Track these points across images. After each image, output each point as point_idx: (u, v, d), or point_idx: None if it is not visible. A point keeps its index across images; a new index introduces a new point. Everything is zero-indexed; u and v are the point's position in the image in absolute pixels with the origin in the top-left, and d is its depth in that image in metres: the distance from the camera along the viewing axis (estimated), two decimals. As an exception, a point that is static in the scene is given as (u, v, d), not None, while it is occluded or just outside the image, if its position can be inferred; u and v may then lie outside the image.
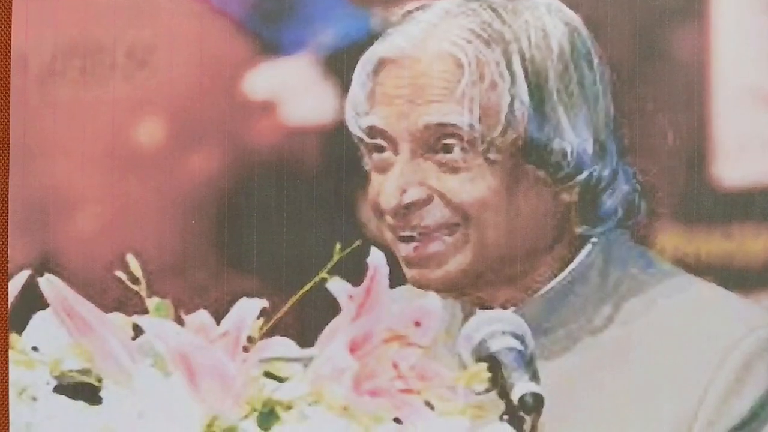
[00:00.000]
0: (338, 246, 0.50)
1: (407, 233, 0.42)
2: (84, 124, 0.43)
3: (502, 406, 0.51)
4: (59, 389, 0.52)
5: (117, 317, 0.50)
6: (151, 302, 0.47)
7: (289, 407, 0.45)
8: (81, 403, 0.47)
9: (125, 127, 0.43)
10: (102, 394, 0.43)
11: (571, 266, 0.42)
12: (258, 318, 0.49)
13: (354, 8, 0.43)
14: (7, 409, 0.49)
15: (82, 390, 0.49)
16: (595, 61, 0.42)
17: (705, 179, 0.44)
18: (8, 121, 0.45)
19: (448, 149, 0.42)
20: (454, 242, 0.43)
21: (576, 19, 0.42)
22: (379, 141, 0.42)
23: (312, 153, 0.44)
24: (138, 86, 0.44)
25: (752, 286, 0.44)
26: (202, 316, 0.51)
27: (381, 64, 0.42)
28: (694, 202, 0.44)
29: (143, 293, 0.43)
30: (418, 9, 0.42)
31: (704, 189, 0.44)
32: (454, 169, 0.42)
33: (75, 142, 0.43)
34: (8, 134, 0.45)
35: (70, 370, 0.44)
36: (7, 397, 0.50)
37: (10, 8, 0.44)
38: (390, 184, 0.42)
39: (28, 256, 0.45)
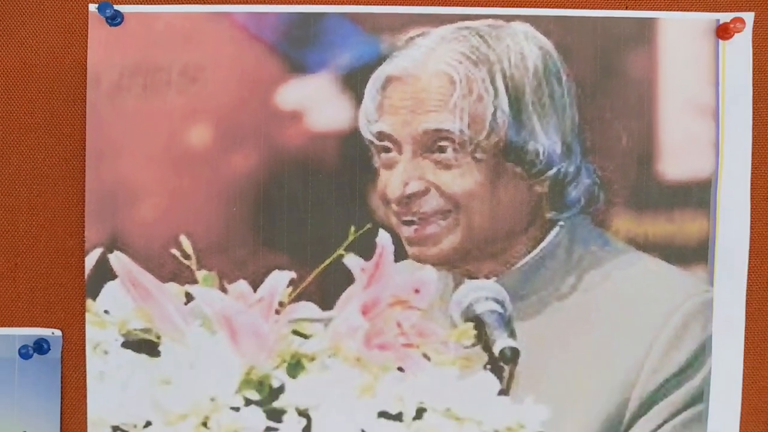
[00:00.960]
0: (353, 228, 0.56)
1: (409, 218, 0.47)
2: (145, 130, 0.49)
3: (485, 358, 0.55)
4: (126, 345, 0.59)
5: (172, 286, 0.56)
6: (200, 274, 0.54)
7: (312, 359, 0.53)
8: (143, 356, 0.54)
9: (179, 132, 0.49)
10: (160, 348, 0.50)
11: (542, 245, 0.47)
12: (287, 287, 0.56)
13: (366, 35, 0.48)
14: (84, 361, 0.56)
15: (144, 345, 0.55)
16: (563, 78, 0.46)
17: (652, 174, 0.49)
18: (84, 129, 0.52)
19: (442, 150, 0.46)
20: (447, 225, 0.46)
21: (548, 43, 0.46)
22: (386, 143, 0.47)
23: (331, 153, 0.49)
24: (189, 99, 0.49)
25: (689, 261, 0.50)
26: (242, 285, 0.57)
27: (388, 81, 0.47)
28: (642, 193, 0.49)
29: (193, 267, 0.51)
30: (419, 35, 0.47)
31: (651, 182, 0.49)
32: (447, 166, 0.46)
33: (138, 145, 0.49)
34: (84, 140, 0.51)
35: (135, 329, 0.51)
36: (84, 351, 0.58)
37: (86, 36, 0.51)
38: (395, 179, 0.46)
39: (100, 237, 0.50)
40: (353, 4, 0.46)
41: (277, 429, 0.46)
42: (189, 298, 0.47)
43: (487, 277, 0.47)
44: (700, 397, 0.47)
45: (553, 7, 0.45)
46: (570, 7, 0.45)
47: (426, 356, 0.47)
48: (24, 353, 0.45)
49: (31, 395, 0.46)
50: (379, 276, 0.47)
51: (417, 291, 0.47)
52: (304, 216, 0.46)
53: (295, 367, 0.47)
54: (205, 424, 0.46)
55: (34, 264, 0.47)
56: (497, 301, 0.47)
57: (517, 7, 0.46)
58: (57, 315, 0.47)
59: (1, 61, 0.46)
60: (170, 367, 0.47)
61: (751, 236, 0.46)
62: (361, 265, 0.47)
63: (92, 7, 0.45)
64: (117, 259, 0.47)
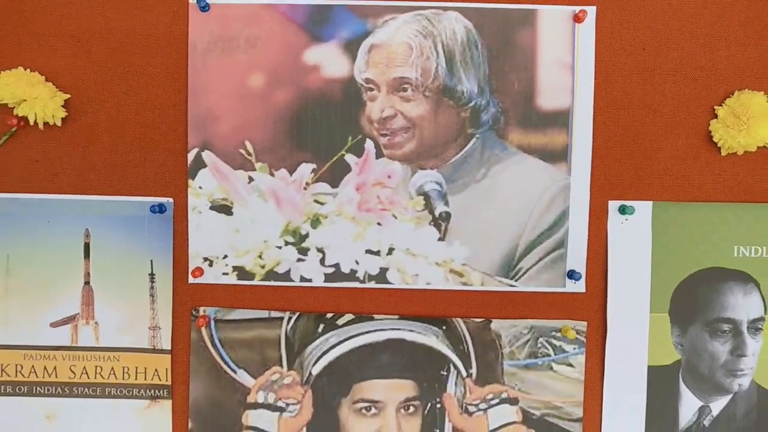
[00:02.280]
0: (350, 138, 0.82)
1: (384, 132, 0.72)
2: (223, 76, 0.76)
3: (429, 218, 0.80)
4: (212, 208, 0.85)
5: (240, 173, 0.83)
6: (257, 165, 0.81)
7: (325, 217, 0.80)
8: (222, 215, 0.82)
9: (244, 78, 0.75)
10: (233, 210, 0.78)
11: (465, 149, 0.72)
12: (310, 173, 0.84)
13: (358, 19, 0.70)
14: (187, 217, 0.85)
15: (223, 208, 0.83)
16: (479, 46, 0.70)
17: (533, 106, 0.73)
18: (186, 76, 0.79)
19: (405, 90, 0.71)
20: (407, 137, 0.71)
21: (469, 24, 0.70)
22: (371, 86, 0.72)
23: (337, 91, 0.75)
24: (250, 57, 0.76)
25: (556, 160, 0.77)
26: (283, 172, 0.84)
27: (372, 47, 0.71)
28: (527, 117, 0.75)
29: (253, 160, 0.78)
30: (391, 19, 0.70)
31: (532, 111, 0.73)
32: (408, 100, 0.71)
33: (219, 86, 0.75)
34: (187, 82, 0.79)
35: (217, 198, 0.79)
36: (187, 211, 0.87)
37: (187, 17, 0.78)
38: (376, 108, 0.71)
39: (196, 142, 0.76)
40: None
41: (304, 259, 0.75)
42: (250, 179, 0.74)
43: (432, 169, 0.73)
44: (561, 244, 0.74)
45: (472, 2, 0.72)
46: (483, 2, 0.71)
47: (394, 216, 0.74)
48: (154, 210, 0.74)
49: (155, 238, 0.75)
50: (366, 167, 0.74)
51: (389, 177, 0.74)
52: (321, 130, 0.74)
53: (315, 222, 0.75)
54: (260, 256, 0.75)
55: (158, 159, 0.74)
56: (438, 183, 0.73)
57: (451, 1, 0.72)
58: (171, 189, 0.74)
59: (135, 35, 0.73)
60: (238, 222, 0.75)
61: (593, 145, 0.73)
62: (355, 161, 0.74)
63: (191, 0, 0.72)
64: (207, 155, 0.74)
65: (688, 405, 0.75)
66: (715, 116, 0.72)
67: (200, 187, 0.74)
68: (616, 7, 0.72)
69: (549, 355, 0.74)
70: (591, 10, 0.71)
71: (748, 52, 0.72)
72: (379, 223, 0.74)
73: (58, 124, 0.72)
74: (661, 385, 0.75)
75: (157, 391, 0.75)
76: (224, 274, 0.75)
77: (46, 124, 0.72)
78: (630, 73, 0.72)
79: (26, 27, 0.72)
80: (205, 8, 0.72)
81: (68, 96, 0.72)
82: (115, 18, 0.72)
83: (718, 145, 0.72)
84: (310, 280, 0.75)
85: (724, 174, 0.73)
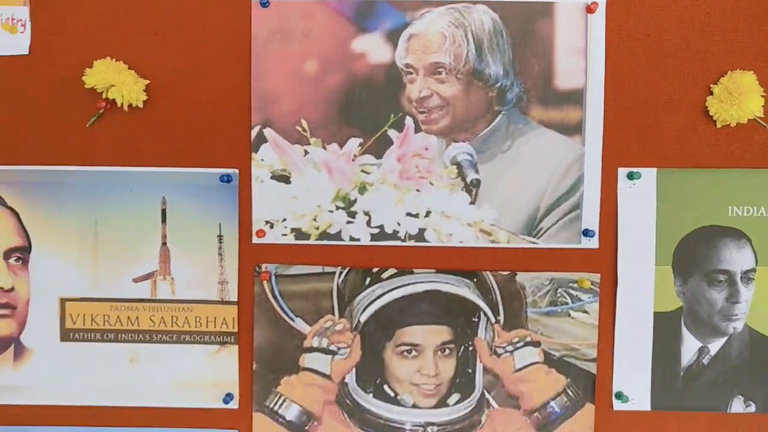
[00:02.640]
0: (392, 115, 0.94)
1: (422, 110, 0.81)
2: (282, 63, 0.87)
3: (462, 184, 0.92)
4: (272, 178, 0.96)
5: (297, 147, 0.95)
6: (312, 140, 0.92)
7: (371, 185, 0.91)
8: (281, 184, 0.92)
9: (300, 64, 0.87)
10: (291, 180, 0.89)
11: (493, 124, 0.80)
12: (358, 146, 0.95)
13: (399, 12, 0.83)
14: (251, 185, 0.96)
15: (282, 178, 0.93)
16: (504, 34, 0.81)
17: (551, 86, 0.87)
18: (250, 63, 0.90)
19: (439, 73, 0.80)
20: (442, 114, 0.80)
21: (495, 16, 0.79)
22: (410, 70, 0.81)
23: (381, 75, 0.85)
24: (305, 46, 0.85)
25: (572, 133, 0.88)
26: (334, 146, 0.95)
27: (411, 36, 0.81)
28: (547, 96, 0.87)
29: (308, 136, 0.89)
30: (427, 12, 0.80)
31: (550, 90, 0.87)
32: (442, 81, 0.80)
33: (279, 71, 0.87)
34: (250, 69, 0.90)
35: (277, 169, 0.89)
36: (250, 181, 0.97)
37: (250, 12, 0.89)
38: (415, 89, 0.81)
39: (259, 120, 0.86)
40: None
41: (352, 221, 0.86)
42: (306, 152, 0.85)
43: (464, 141, 0.84)
44: (577, 206, 0.85)
45: None
46: None
47: (431, 183, 0.85)
48: (222, 180, 0.85)
49: (223, 204, 0.85)
50: (406, 141, 0.85)
51: (426, 149, 0.85)
52: (366, 109, 0.84)
53: (362, 189, 0.85)
54: (314, 219, 0.86)
55: (225, 135, 0.85)
56: (469, 153, 0.84)
57: None
58: (237, 162, 0.85)
59: (206, 29, 0.84)
60: (296, 189, 0.85)
61: (604, 120, 0.84)
62: (397, 135, 0.85)
63: (258, 3, 0.83)
64: (268, 132, 0.85)
65: (689, 346, 0.85)
66: (711, 93, 0.82)
67: (262, 160, 0.85)
68: (623, 0, 0.82)
69: (567, 304, 0.85)
70: (601, 2, 0.82)
71: (739, 37, 0.82)
72: (417, 190, 0.85)
73: (140, 105, 0.83)
74: (666, 329, 0.85)
75: (225, 338, 0.87)
76: (283, 234, 0.86)
77: (129, 106, 0.83)
78: (636, 56, 0.83)
79: (113, 23, 0.83)
80: (265, 4, 0.82)
81: (148, 81, 0.83)
82: (188, 14, 0.83)
83: (714, 118, 0.82)
84: (358, 240, 0.85)
85: (719, 144, 0.83)
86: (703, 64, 0.82)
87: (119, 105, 0.82)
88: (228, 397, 0.87)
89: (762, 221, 0.84)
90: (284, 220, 0.86)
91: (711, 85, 0.82)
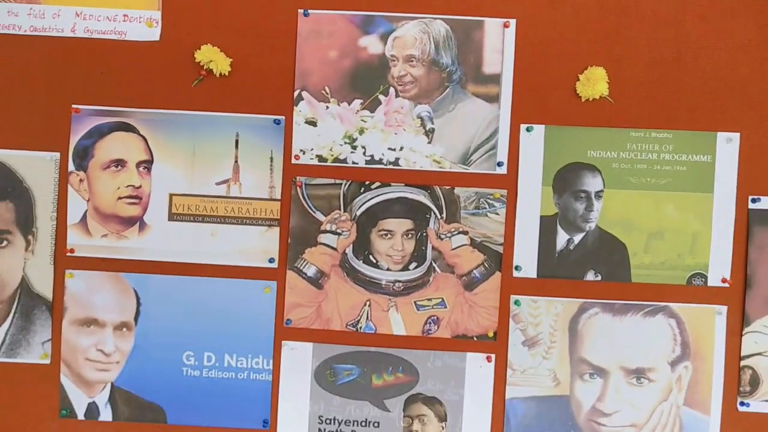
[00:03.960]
0: (381, 86, 1.39)
1: (400, 84, 1.29)
2: (315, 53, 1.38)
3: (422, 131, 1.44)
4: (305, 122, 1.43)
5: (321, 104, 1.36)
6: (331, 99, 1.36)
7: (366, 129, 1.38)
8: (311, 126, 1.35)
9: (326, 53, 1.38)
10: (317, 124, 1.31)
11: (444, 94, 1.33)
12: (359, 105, 1.39)
13: (388, 23, 1.33)
14: (292, 130, 1.44)
15: (311, 122, 1.40)
16: (453, 38, 1.29)
17: (481, 71, 1.38)
18: (295, 51, 1.40)
19: (412, 61, 1.28)
20: (413, 87, 1.30)
21: (447, 27, 1.29)
22: (394, 60, 1.30)
23: (376, 61, 1.30)
24: (329, 41, 1.39)
25: (492, 102, 1.39)
26: (345, 104, 1.31)
27: (395, 38, 1.28)
28: (477, 77, 1.38)
29: (329, 96, 1.36)
30: (405, 23, 1.27)
31: (480, 74, 1.38)
32: (413, 66, 1.26)
33: (312, 57, 1.38)
34: (295, 55, 1.40)
35: (308, 117, 1.37)
36: (292, 124, 1.45)
37: (297, 20, 1.38)
38: (396, 70, 1.29)
39: (298, 86, 1.37)
40: (384, 10, 1.33)
41: (354, 152, 1.35)
42: (327, 107, 1.34)
43: (425, 104, 1.33)
44: (493, 147, 1.34)
45: (449, 14, 1.31)
46: (455, 15, 1.31)
47: (404, 129, 1.34)
48: (275, 123, 1.34)
49: (274, 138, 1.34)
50: (389, 103, 1.33)
51: (402, 108, 1.34)
52: (366, 81, 1.33)
53: (360, 132, 1.34)
54: (330, 150, 1.35)
55: (278, 95, 1.35)
56: (428, 112, 1.33)
57: (438, 13, 1.32)
58: (284, 111, 1.35)
59: (268, 27, 1.33)
60: (320, 130, 1.35)
61: (512, 94, 1.33)
62: (384, 99, 1.34)
63: (300, 11, 1.33)
64: (304, 93, 1.34)
65: (561, 237, 1.34)
66: (578, 80, 1.31)
67: (300, 111, 1.35)
68: (526, 20, 1.32)
69: (486, 208, 1.34)
70: (513, 21, 1.31)
71: (595, 45, 1.31)
72: (395, 134, 1.35)
73: (226, 74, 1.33)
74: (547, 226, 1.34)
75: (271, 222, 1.36)
76: (311, 159, 1.35)
77: (220, 74, 1.33)
78: (533, 55, 1.32)
79: (213, 23, 1.34)
80: (306, 14, 1.32)
81: (231, 60, 1.33)
82: (257, 18, 1.34)
83: (580, 95, 1.31)
84: (357, 163, 1.35)
85: (583, 111, 1.33)
86: (574, 62, 1.32)
87: (215, 73, 1.33)
88: (271, 260, 1.36)
89: (608, 160, 1.33)
90: (311, 149, 1.35)
91: (578, 75, 1.31)
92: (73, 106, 1.35)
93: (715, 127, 1.32)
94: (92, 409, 1.37)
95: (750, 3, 1.32)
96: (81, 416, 1.37)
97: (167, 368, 1.37)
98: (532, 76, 1.32)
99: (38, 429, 1.37)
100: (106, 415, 1.37)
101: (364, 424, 1.36)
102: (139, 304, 1.37)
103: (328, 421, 1.36)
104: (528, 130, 1.33)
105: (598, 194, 1.34)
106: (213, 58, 1.32)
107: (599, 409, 1.35)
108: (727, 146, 1.32)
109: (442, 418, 1.35)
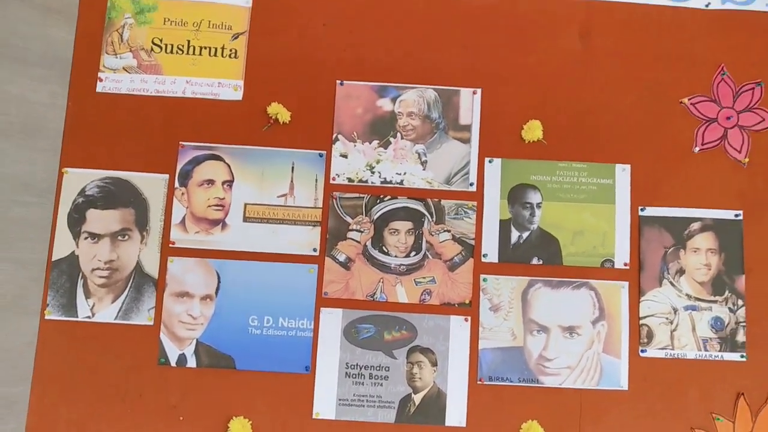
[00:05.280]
0: (391, 132, 2.05)
1: (404, 131, 2.05)
2: (348, 108, 2.01)
3: (419, 161, 2.06)
4: (340, 155, 2.05)
5: (350, 143, 2.01)
6: (357, 140, 2.01)
7: (381, 161, 2.00)
8: (343, 158, 1.99)
9: (355, 109, 2.02)
10: (348, 157, 1.94)
11: (433, 137, 2.01)
12: (376, 144, 2.04)
13: (396, 90, 2.00)
14: (331, 161, 2.03)
15: (344, 155, 2.01)
16: (439, 100, 1.94)
17: (458, 122, 2.01)
18: (334, 107, 2.02)
19: (412, 115, 1.97)
20: (413, 133, 1.97)
21: (435, 93, 1.95)
22: (400, 113, 1.92)
23: (387, 116, 1.94)
24: (358, 102, 2.02)
25: (466, 142, 2.01)
26: (367, 143, 1.97)
27: (401, 100, 1.96)
28: (456, 126, 2.01)
29: (356, 138, 1.99)
30: (407, 90, 1.99)
31: (458, 124, 2.02)
32: (413, 119, 1.91)
33: (347, 111, 2.01)
34: (334, 109, 2.02)
35: (342, 152, 1.99)
36: (331, 157, 2.04)
37: (335, 85, 2.02)
38: (401, 121, 1.94)
39: (336, 131, 2.01)
40: (393, 82, 1.97)
41: (372, 175, 1.95)
42: (354, 145, 1.96)
43: (421, 144, 1.95)
44: (467, 172, 1.95)
45: (437, 85, 1.96)
46: (440, 85, 1.95)
47: (406, 161, 1.96)
48: (319, 156, 1.94)
49: (318, 166, 1.95)
50: (397, 143, 1.96)
51: (404, 147, 1.96)
52: (381, 129, 1.96)
53: (377, 162, 1.95)
54: (356, 174, 1.95)
55: (320, 137, 1.95)
56: (424, 149, 1.96)
57: (429, 84, 1.96)
58: (325, 147, 1.95)
59: (315, 88, 1.96)
60: (349, 161, 1.95)
61: (479, 136, 1.95)
62: (393, 141, 1.96)
63: (337, 82, 1.96)
64: (339, 136, 1.96)
65: (514, 234, 1.93)
66: (522, 128, 1.94)
67: (336, 148, 1.96)
68: (488, 90, 1.96)
69: (462, 214, 1.94)
70: (479, 90, 1.96)
71: (534, 107, 1.96)
72: (401, 163, 1.96)
73: (287, 122, 1.94)
74: (504, 227, 1.93)
75: (315, 223, 1.94)
76: (343, 180, 1.95)
77: (283, 122, 1.94)
78: (492, 112, 1.96)
79: (272, 86, 1.96)
80: (341, 84, 1.96)
81: (290, 112, 1.95)
82: (309, 85, 1.96)
83: (524, 139, 1.94)
84: (374, 183, 1.95)
85: (527, 149, 1.95)
86: (519, 117, 1.96)
87: (279, 122, 1.94)
88: (314, 250, 1.93)
89: (544, 182, 1.94)
90: (344, 173, 1.95)
91: (523, 125, 1.95)
92: (180, 142, 1.95)
93: (614, 160, 1.96)
94: (182, 359, 1.88)
95: (637, 75, 1.98)
96: (173, 364, 1.87)
97: (237, 328, 1.90)
98: (492, 126, 1.96)
99: (143, 373, 1.87)
100: (191, 363, 1.88)
101: (378, 368, 1.89)
102: (219, 281, 1.92)
103: (352, 366, 1.88)
104: (490, 161, 1.95)
105: (538, 205, 1.95)
106: (278, 111, 1.94)
107: (544, 355, 1.89)
108: (622, 173, 1.95)
109: (434, 364, 1.89)
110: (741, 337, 1.88)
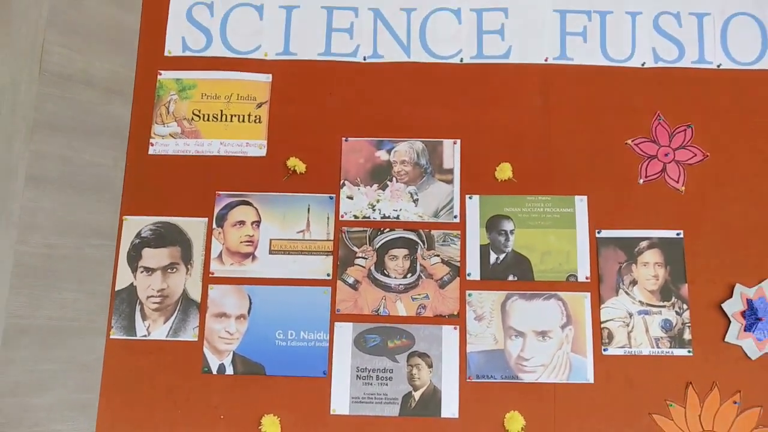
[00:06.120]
0: (387, 177, 2.46)
1: (398, 175, 2.47)
2: (352, 159, 2.44)
3: (411, 200, 2.46)
4: (346, 197, 2.48)
5: (354, 187, 2.46)
6: (360, 184, 2.44)
7: (380, 200, 2.41)
8: (349, 199, 2.43)
9: (357, 160, 2.45)
10: (353, 198, 2.35)
11: (423, 179, 2.42)
12: (376, 187, 2.45)
13: (390, 143, 2.43)
14: (339, 201, 2.45)
15: (350, 197, 2.44)
16: (426, 150, 2.38)
17: (442, 166, 2.43)
18: (340, 160, 2.46)
19: (404, 163, 2.40)
20: (406, 176, 2.39)
21: (422, 144, 2.38)
22: (394, 161, 2.39)
23: (384, 163, 2.41)
24: (360, 155, 2.45)
25: (449, 183, 2.42)
26: (368, 187, 2.38)
27: (395, 151, 2.38)
28: (440, 169, 2.42)
29: (359, 182, 2.41)
30: (399, 144, 2.45)
31: (442, 168, 2.43)
32: (405, 166, 2.35)
33: (351, 162, 2.44)
34: (341, 161, 2.45)
35: (348, 194, 2.41)
36: (339, 199, 2.46)
37: (340, 150, 2.45)
38: (396, 168, 2.40)
39: (342, 178, 2.44)
40: (388, 137, 2.40)
41: (373, 212, 2.35)
42: (358, 188, 2.37)
43: (413, 186, 2.37)
44: (452, 208, 2.34)
45: (422, 138, 2.38)
46: (425, 138, 2.38)
47: (401, 200, 2.37)
48: (330, 198, 2.35)
49: (329, 207, 2.36)
50: (393, 186, 2.37)
51: (398, 189, 2.38)
52: (379, 175, 2.38)
53: (378, 202, 2.35)
54: (360, 212, 2.35)
55: (322, 183, 2.38)
56: (415, 189, 2.36)
57: (416, 138, 2.39)
58: (334, 191, 2.37)
59: (320, 151, 2.39)
60: (355, 201, 2.37)
61: (460, 176, 2.36)
62: (389, 184, 2.37)
63: (343, 139, 2.40)
64: (346, 182, 2.38)
65: (492, 256, 2.32)
66: (496, 170, 2.35)
67: (343, 191, 2.38)
68: (466, 140, 2.39)
69: (450, 241, 2.33)
70: (459, 141, 2.38)
71: (504, 151, 2.37)
72: (397, 202, 2.37)
73: (304, 172, 2.37)
74: (484, 251, 2.32)
75: (328, 253, 2.34)
76: (350, 217, 2.36)
77: (300, 173, 2.37)
78: (470, 157, 2.38)
79: (295, 145, 2.40)
80: (346, 140, 2.39)
81: (306, 165, 2.38)
82: (320, 142, 2.40)
83: (497, 178, 2.35)
84: (376, 219, 2.35)
85: (500, 187, 2.36)
86: (492, 160, 2.38)
87: (297, 172, 2.37)
88: (328, 275, 2.32)
89: (516, 212, 2.34)
90: (350, 212, 2.37)
91: (496, 167, 2.36)
92: (217, 192, 2.39)
93: (573, 193, 2.36)
94: (221, 368, 2.26)
95: (589, 123, 2.39)
96: (214, 372, 2.24)
97: (266, 341, 2.28)
98: (470, 169, 2.37)
99: (189, 380, 2.24)
100: (229, 371, 2.24)
101: (383, 371, 2.25)
102: (250, 303, 2.31)
103: (362, 370, 2.25)
104: (470, 198, 2.36)
105: (511, 232, 2.34)
106: (296, 164, 2.37)
107: (522, 356, 2.25)
108: (581, 203, 2.34)
109: (430, 366, 2.24)
110: (687, 335, 2.22)
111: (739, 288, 2.20)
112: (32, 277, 2.08)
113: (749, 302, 2.17)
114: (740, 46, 2.38)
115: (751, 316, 2.17)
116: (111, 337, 2.27)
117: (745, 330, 2.17)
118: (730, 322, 2.20)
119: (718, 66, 2.37)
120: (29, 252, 2.10)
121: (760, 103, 2.34)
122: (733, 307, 2.20)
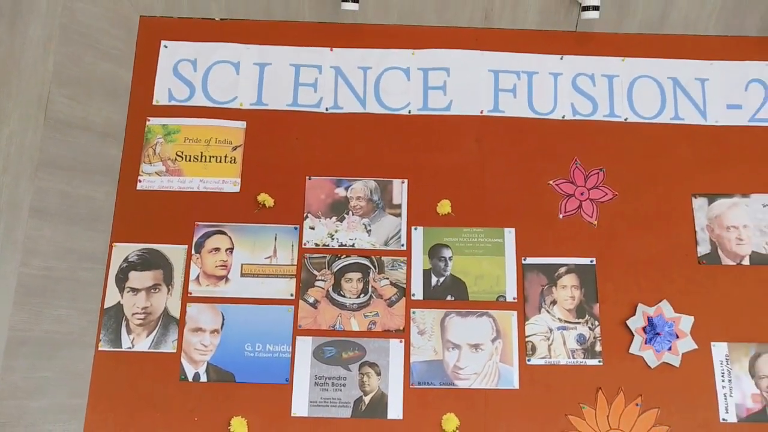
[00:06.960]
0: (344, 211, 2.82)
1: (354, 210, 2.83)
2: (317, 196, 2.79)
3: (365, 230, 2.81)
4: (309, 227, 2.82)
5: (315, 219, 2.79)
6: (321, 216, 2.79)
7: (338, 231, 2.76)
8: (311, 230, 2.76)
9: (320, 195, 2.80)
10: (315, 228, 2.71)
11: (375, 213, 2.76)
12: (335, 219, 2.81)
13: (348, 181, 2.80)
14: (303, 231, 2.77)
15: (312, 228, 2.78)
16: (378, 188, 2.78)
17: (392, 202, 2.79)
18: (304, 196, 2.81)
19: (360, 199, 2.78)
20: (360, 210, 2.76)
21: (375, 183, 2.77)
22: (351, 197, 2.76)
23: (342, 199, 2.78)
24: (322, 190, 2.80)
25: (397, 216, 2.78)
26: (328, 219, 2.78)
27: (351, 189, 2.79)
28: (390, 205, 2.78)
29: (320, 215, 2.76)
30: (354, 183, 2.83)
31: (392, 204, 2.79)
32: (360, 201, 2.71)
33: (313, 197, 2.79)
34: (305, 197, 2.80)
35: (309, 226, 2.75)
36: (303, 228, 2.78)
37: (302, 184, 2.81)
38: (352, 203, 2.75)
39: (306, 211, 2.79)
40: (346, 176, 2.76)
41: (332, 241, 2.70)
42: (319, 220, 2.73)
43: (366, 218, 2.72)
44: (399, 237, 2.71)
45: (373, 177, 2.75)
46: (378, 177, 2.74)
47: (356, 230, 2.72)
48: (294, 228, 2.69)
49: (294, 236, 2.70)
50: (350, 219, 2.73)
51: (353, 221, 2.73)
52: (337, 208, 2.74)
53: (335, 233, 2.70)
54: (321, 240, 2.70)
55: (294, 215, 2.72)
56: (368, 222, 2.71)
57: (369, 177, 2.75)
58: (298, 222, 2.71)
59: (290, 192, 2.74)
60: (316, 232, 2.71)
61: (407, 214, 2.72)
62: (347, 217, 2.73)
63: (307, 177, 2.75)
64: (309, 215, 2.73)
65: (434, 279, 2.67)
66: (437, 206, 2.72)
67: (306, 223, 2.72)
68: (413, 180, 2.75)
69: (397, 266, 2.68)
70: (406, 180, 2.75)
71: (445, 189, 2.74)
72: (352, 232, 2.72)
73: (272, 206, 2.72)
74: (426, 274, 2.67)
75: (291, 276, 2.67)
76: (312, 245, 2.70)
77: (269, 207, 2.72)
78: (415, 194, 2.74)
79: (265, 182, 2.75)
80: (310, 178, 2.75)
81: (274, 199, 2.73)
82: (287, 180, 2.76)
83: (438, 212, 2.71)
84: (334, 246, 2.70)
85: (441, 220, 2.72)
86: (433, 202, 2.73)
87: (266, 206, 2.71)
88: (291, 295, 2.65)
89: (454, 241, 2.70)
90: (312, 240, 2.71)
91: (437, 203, 2.73)
92: (196, 222, 2.72)
93: (503, 225, 2.72)
94: (196, 376, 2.54)
95: (517, 166, 2.77)
96: (190, 379, 2.53)
97: (236, 352, 2.57)
98: (416, 205, 2.73)
99: (168, 386, 2.51)
100: (204, 378, 2.53)
101: (338, 378, 2.56)
102: (223, 320, 2.63)
103: (319, 378, 2.56)
104: (415, 229, 2.72)
105: (450, 258, 2.69)
106: (266, 199, 2.71)
107: (457, 365, 2.57)
108: (509, 234, 2.71)
109: (379, 374, 2.56)
110: (598, 347, 2.54)
111: (641, 307, 2.54)
112: (32, 296, 2.24)
113: (649, 319, 2.52)
114: (643, 103, 2.76)
115: (650, 331, 2.50)
116: (99, 348, 2.47)
117: (645, 343, 2.49)
118: (633, 336, 2.53)
119: (626, 119, 2.76)
120: (31, 274, 2.23)
121: (660, 150, 2.73)
122: (636, 323, 2.54)
